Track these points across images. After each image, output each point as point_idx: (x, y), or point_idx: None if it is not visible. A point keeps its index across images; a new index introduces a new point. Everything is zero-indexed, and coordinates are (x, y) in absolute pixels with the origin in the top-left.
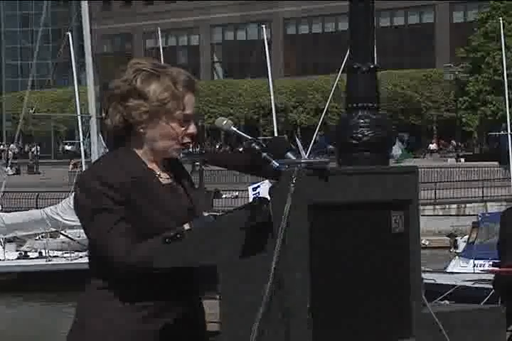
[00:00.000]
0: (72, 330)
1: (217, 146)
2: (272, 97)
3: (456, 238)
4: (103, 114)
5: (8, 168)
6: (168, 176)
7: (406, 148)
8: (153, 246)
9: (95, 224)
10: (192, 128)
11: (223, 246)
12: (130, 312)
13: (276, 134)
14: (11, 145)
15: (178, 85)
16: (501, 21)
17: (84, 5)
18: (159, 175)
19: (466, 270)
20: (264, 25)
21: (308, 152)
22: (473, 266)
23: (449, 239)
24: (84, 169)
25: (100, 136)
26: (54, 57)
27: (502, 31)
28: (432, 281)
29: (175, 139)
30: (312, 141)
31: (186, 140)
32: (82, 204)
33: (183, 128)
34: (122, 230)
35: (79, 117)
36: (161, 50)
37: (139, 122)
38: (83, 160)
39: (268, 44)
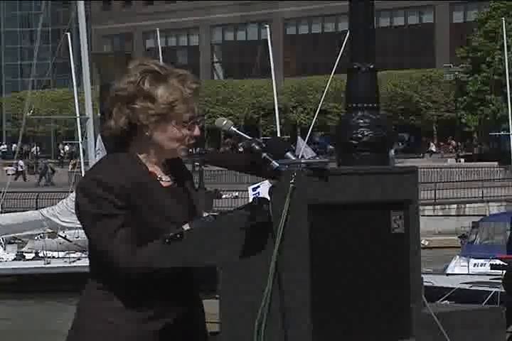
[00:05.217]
0: (72, 330)
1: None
2: (276, 98)
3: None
4: (99, 114)
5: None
6: (169, 178)
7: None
8: (154, 250)
9: (96, 229)
10: (197, 131)
11: (223, 246)
12: (130, 313)
13: (279, 134)
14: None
15: (187, 88)
16: (503, 21)
17: (81, 5)
18: (160, 178)
19: (466, 270)
20: (267, 26)
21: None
22: (473, 266)
23: (447, 238)
24: (83, 169)
25: (99, 136)
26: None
27: (504, 30)
28: (430, 284)
29: (181, 141)
30: (305, 141)
31: (191, 141)
32: (83, 209)
33: (189, 131)
34: (123, 236)
35: (77, 118)
36: (160, 50)
37: (145, 125)
38: (82, 160)
39: (266, 44)
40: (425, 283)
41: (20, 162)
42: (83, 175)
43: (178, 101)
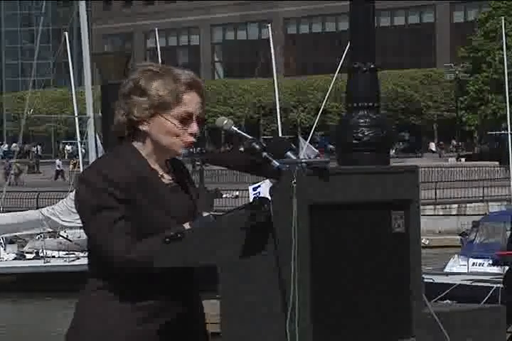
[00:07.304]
0: (71, 330)
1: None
2: (277, 97)
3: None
4: (99, 114)
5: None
6: (170, 177)
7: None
8: (153, 244)
9: (96, 220)
10: (194, 127)
11: (223, 246)
12: (129, 313)
13: (280, 134)
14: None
15: (179, 82)
16: (503, 20)
17: (82, 5)
18: (162, 175)
19: (465, 269)
20: (269, 25)
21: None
22: (472, 265)
23: (448, 238)
24: (82, 169)
25: (97, 136)
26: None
27: (503, 29)
28: (431, 280)
29: (178, 136)
30: (307, 140)
31: (189, 139)
32: (84, 201)
33: (185, 126)
34: (123, 228)
35: (76, 118)
36: (159, 50)
37: (141, 119)
38: (81, 160)
39: (268, 44)
40: (425, 280)
41: (58, 161)
42: (86, 167)
43: (169, 94)
